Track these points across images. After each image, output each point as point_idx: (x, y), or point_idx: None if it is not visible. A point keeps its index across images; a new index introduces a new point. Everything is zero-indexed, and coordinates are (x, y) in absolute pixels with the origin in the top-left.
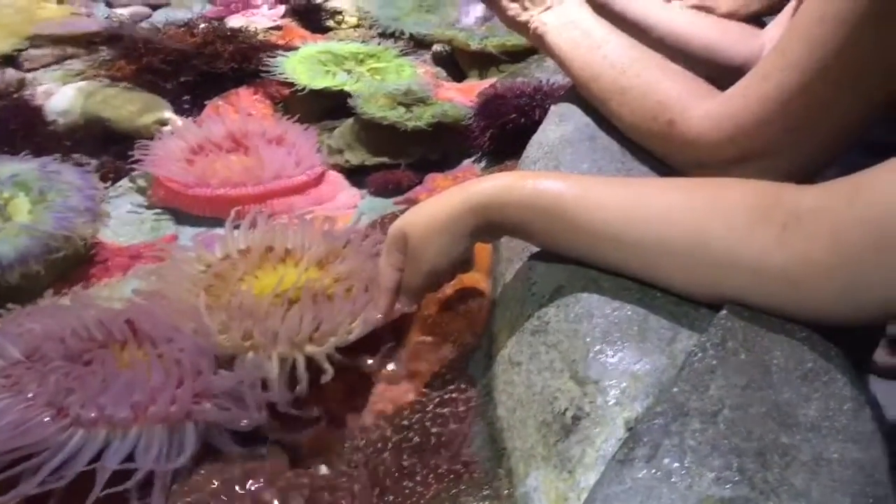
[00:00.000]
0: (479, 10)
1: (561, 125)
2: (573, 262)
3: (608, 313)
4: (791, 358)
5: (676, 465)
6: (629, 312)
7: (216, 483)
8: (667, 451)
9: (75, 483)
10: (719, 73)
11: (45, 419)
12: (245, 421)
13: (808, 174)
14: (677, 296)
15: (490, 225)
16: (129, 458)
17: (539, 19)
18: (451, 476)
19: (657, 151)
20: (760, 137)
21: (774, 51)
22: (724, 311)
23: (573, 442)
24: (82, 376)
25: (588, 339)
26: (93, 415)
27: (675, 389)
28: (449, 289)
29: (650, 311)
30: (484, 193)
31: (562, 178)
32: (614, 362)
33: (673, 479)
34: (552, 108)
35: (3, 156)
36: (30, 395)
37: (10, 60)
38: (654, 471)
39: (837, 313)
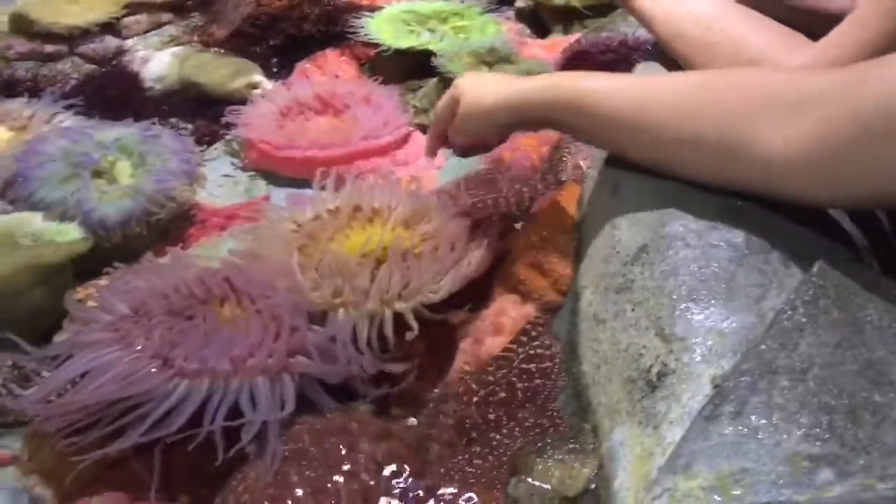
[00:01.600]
0: None
1: None
2: (657, 219)
3: (694, 271)
4: (886, 315)
5: (763, 421)
6: (716, 270)
7: (313, 434)
8: (754, 408)
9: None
10: (811, 21)
11: (152, 370)
12: (337, 375)
13: None
14: (766, 253)
15: (525, 120)
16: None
17: None
18: (537, 429)
19: None
20: None
21: None
22: (815, 269)
23: (658, 398)
24: (185, 330)
25: (674, 297)
26: (195, 366)
27: (763, 347)
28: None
29: (738, 268)
30: (519, 93)
31: (585, 75)
32: (701, 319)
33: (760, 436)
34: (637, 66)
35: (106, 121)
36: (137, 348)
37: (109, 28)
38: (740, 427)
39: (822, 198)
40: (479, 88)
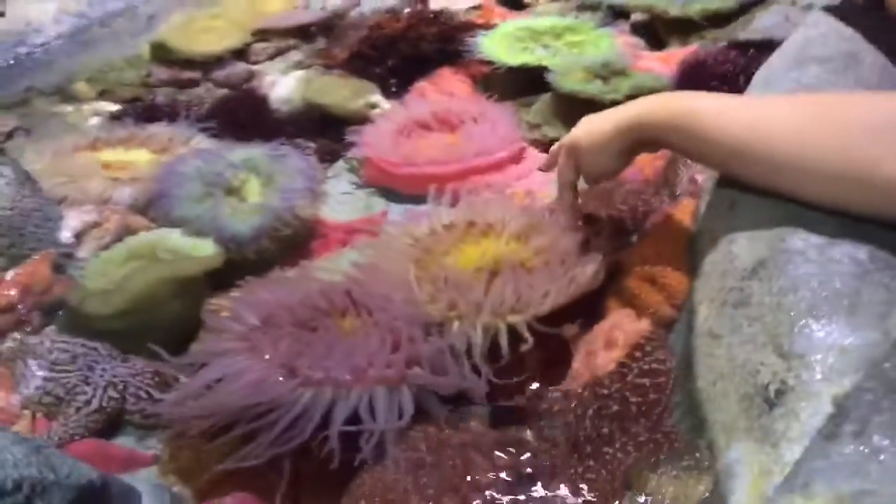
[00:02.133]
0: None
1: (765, 92)
2: (776, 234)
3: (815, 287)
4: None
5: (886, 442)
6: (838, 286)
7: (429, 444)
8: (876, 428)
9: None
10: None
11: (279, 379)
12: (451, 386)
13: None
14: (892, 269)
15: (641, 142)
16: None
17: None
18: (651, 445)
19: None
20: None
21: None
22: None
23: (777, 416)
24: (310, 341)
25: (793, 313)
26: (319, 376)
27: (887, 365)
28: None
29: (862, 284)
30: (629, 116)
31: (695, 95)
32: (821, 336)
33: (882, 457)
34: (756, 75)
35: (237, 142)
36: (266, 357)
37: (240, 54)
38: (862, 447)
39: None
40: (590, 126)
